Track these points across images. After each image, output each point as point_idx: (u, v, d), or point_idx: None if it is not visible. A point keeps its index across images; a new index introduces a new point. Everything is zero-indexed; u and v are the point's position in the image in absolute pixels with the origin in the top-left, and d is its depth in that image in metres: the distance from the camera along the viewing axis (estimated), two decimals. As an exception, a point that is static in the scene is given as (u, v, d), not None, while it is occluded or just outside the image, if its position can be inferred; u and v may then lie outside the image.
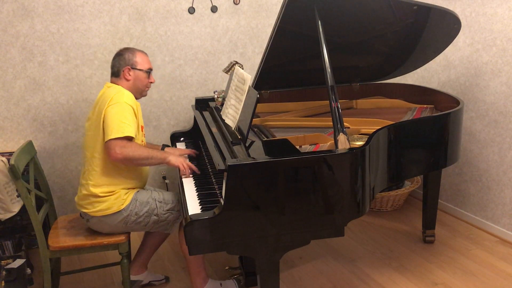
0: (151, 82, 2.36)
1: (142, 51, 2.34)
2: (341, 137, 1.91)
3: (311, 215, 1.83)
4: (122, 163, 2.18)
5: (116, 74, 2.30)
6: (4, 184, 2.59)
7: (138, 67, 2.29)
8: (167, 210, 2.29)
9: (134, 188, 2.31)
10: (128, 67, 2.27)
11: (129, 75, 2.28)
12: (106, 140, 2.11)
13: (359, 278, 2.62)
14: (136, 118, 2.21)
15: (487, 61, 2.92)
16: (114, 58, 2.31)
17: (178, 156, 2.34)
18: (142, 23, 3.06)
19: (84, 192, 2.22)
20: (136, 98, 2.30)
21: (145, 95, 2.38)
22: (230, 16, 3.25)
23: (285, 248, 1.88)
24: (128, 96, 2.21)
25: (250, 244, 1.82)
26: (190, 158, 2.54)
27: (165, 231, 2.37)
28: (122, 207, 2.21)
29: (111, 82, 2.31)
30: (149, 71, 2.33)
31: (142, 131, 2.33)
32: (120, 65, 2.27)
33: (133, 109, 2.19)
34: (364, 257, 2.83)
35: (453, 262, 2.73)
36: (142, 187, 2.38)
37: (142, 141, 2.33)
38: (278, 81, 2.84)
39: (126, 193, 2.24)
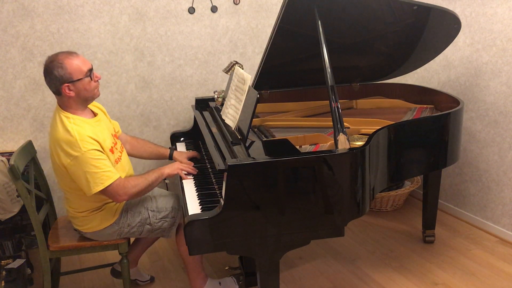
0: (98, 80, 2.06)
1: (70, 56, 1.97)
2: (341, 137, 1.91)
3: (311, 215, 1.83)
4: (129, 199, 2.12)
5: (57, 93, 2.00)
6: (4, 184, 2.59)
7: (75, 78, 1.95)
8: (160, 219, 2.24)
9: None
10: (65, 84, 1.95)
11: (70, 90, 1.97)
12: (89, 194, 1.98)
13: (359, 278, 2.62)
14: (103, 149, 2.01)
15: (487, 61, 2.92)
16: (45, 77, 1.98)
17: (172, 164, 2.26)
18: (142, 23, 3.06)
19: (70, 214, 2.20)
20: (88, 104, 2.10)
21: (98, 95, 2.08)
22: (230, 16, 3.25)
23: (285, 248, 1.88)
24: (83, 140, 1.93)
25: (250, 244, 1.82)
26: (191, 158, 2.55)
27: (162, 237, 2.35)
28: (113, 220, 2.17)
29: (58, 102, 2.05)
30: (89, 74, 2.00)
31: (113, 153, 2.11)
32: (56, 84, 1.96)
33: (96, 149, 1.96)
34: (364, 257, 2.83)
35: (453, 262, 2.73)
36: None
37: (119, 158, 2.18)
38: (278, 81, 2.84)
39: (114, 205, 2.18)
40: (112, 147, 2.13)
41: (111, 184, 1.98)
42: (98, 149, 1.99)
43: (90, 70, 2.01)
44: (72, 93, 1.98)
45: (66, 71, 1.94)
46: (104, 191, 2.00)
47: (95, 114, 2.17)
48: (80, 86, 1.98)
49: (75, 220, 2.20)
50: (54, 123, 2.03)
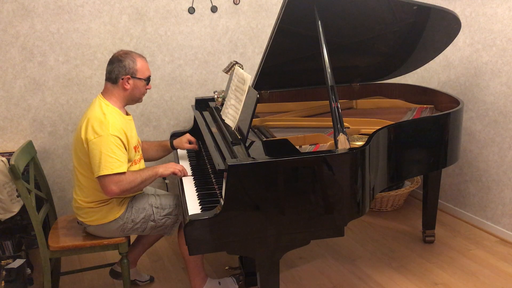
0: (148, 89, 2.25)
1: (142, 57, 2.20)
2: (341, 137, 1.91)
3: (311, 215, 1.83)
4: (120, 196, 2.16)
5: (113, 80, 2.15)
6: (4, 184, 2.59)
7: (138, 76, 2.15)
8: (164, 216, 2.27)
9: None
10: (128, 76, 2.13)
11: (128, 83, 2.14)
12: (95, 175, 2.04)
13: (359, 278, 2.62)
14: (125, 147, 2.11)
15: (487, 61, 2.92)
16: (112, 63, 2.15)
17: (166, 164, 2.27)
18: (142, 23, 3.06)
19: (77, 205, 2.21)
20: (129, 104, 2.25)
21: (141, 101, 2.29)
22: (230, 16, 3.25)
23: (285, 248, 1.88)
24: (114, 125, 2.07)
25: (250, 244, 1.82)
26: (191, 156, 2.56)
27: (164, 235, 2.37)
28: (118, 215, 2.19)
29: (105, 87, 2.19)
30: (148, 79, 2.21)
31: (136, 151, 2.24)
32: (120, 72, 2.13)
33: (120, 139, 2.08)
34: (364, 257, 2.83)
35: (453, 262, 2.73)
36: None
37: (139, 160, 2.27)
38: (278, 81, 2.84)
39: (121, 201, 2.21)
40: (136, 146, 2.26)
41: (116, 174, 2.04)
42: (123, 140, 2.10)
43: (149, 77, 2.22)
44: (128, 86, 2.16)
45: (135, 66, 2.14)
46: (106, 178, 2.03)
47: (128, 115, 2.29)
48: (137, 84, 2.17)
49: (80, 211, 2.21)
50: (92, 106, 2.16)
